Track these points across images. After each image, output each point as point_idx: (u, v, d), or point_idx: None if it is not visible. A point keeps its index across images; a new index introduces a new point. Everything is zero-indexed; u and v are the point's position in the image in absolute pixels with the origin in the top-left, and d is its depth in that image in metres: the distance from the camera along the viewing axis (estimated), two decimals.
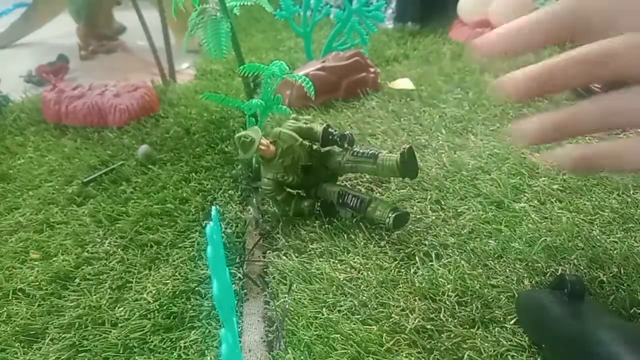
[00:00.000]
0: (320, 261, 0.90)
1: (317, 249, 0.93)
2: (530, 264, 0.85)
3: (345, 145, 0.98)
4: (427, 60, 1.74)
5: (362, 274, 0.86)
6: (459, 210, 0.99)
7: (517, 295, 0.78)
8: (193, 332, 0.80)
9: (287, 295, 0.84)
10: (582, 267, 0.82)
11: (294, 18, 1.63)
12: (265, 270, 0.94)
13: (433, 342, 0.73)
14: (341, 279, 0.85)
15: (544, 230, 0.91)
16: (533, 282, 0.82)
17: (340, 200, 0.99)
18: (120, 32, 2.44)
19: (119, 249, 0.99)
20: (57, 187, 1.21)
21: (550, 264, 0.84)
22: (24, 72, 1.99)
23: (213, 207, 0.76)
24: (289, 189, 1.03)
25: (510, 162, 1.11)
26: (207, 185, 1.15)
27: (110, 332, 0.82)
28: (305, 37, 1.68)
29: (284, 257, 0.93)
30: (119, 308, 0.86)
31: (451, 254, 0.89)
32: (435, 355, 0.71)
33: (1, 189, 1.22)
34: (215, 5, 1.28)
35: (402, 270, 0.86)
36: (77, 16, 2.23)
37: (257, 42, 2.09)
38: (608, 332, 0.63)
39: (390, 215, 0.92)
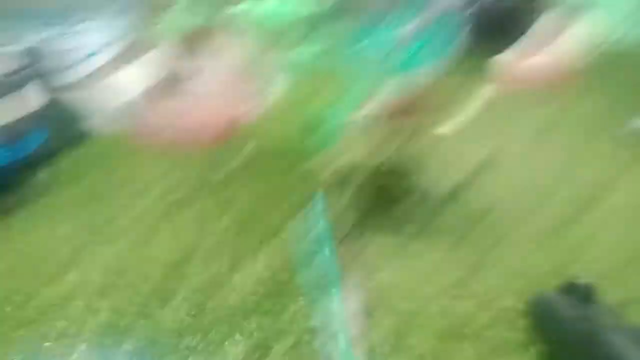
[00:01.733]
0: (415, 242, 0.96)
1: (412, 231, 0.99)
2: None
3: None
4: None
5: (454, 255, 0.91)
6: None
7: (528, 299, 0.80)
8: (300, 299, 0.90)
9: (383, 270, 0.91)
10: None
11: None
12: (362, 247, 1.02)
13: None
14: (437, 260, 0.91)
15: None
16: None
17: None
18: None
19: (234, 225, 1.12)
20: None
21: None
22: None
23: (319, 192, 0.85)
24: None
25: None
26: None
27: (230, 295, 0.94)
28: None
29: (380, 236, 1.00)
30: (236, 275, 0.98)
31: None
32: None
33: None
34: None
35: None
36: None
37: None
38: (616, 334, 0.64)
39: None
